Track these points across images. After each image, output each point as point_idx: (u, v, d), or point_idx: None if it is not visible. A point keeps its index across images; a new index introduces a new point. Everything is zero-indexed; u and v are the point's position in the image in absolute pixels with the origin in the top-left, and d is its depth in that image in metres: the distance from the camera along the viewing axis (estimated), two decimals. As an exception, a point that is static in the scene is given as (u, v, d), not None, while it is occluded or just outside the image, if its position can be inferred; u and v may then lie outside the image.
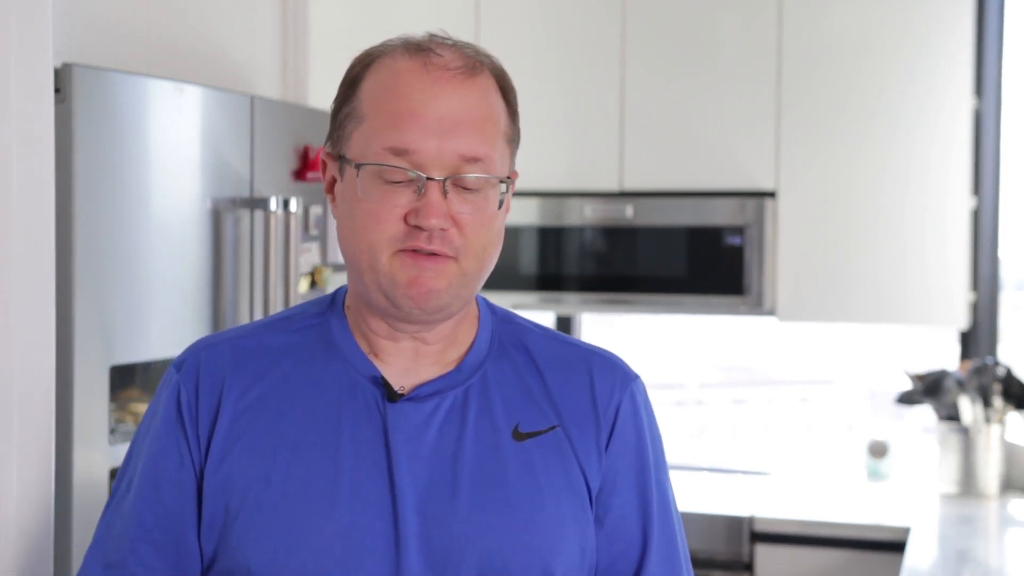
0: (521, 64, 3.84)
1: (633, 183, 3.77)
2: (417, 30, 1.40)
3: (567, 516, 1.36)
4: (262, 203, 2.55)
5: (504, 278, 3.84)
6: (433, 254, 1.30)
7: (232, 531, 1.33)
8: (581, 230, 3.78)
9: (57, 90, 2.05)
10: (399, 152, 1.30)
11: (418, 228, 1.29)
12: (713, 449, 4.48)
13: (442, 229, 1.30)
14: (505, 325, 1.45)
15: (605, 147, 3.79)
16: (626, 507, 1.40)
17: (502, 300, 3.83)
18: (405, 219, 1.30)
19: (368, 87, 1.34)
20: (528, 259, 3.83)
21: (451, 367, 1.39)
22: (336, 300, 1.43)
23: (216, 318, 2.48)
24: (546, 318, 4.37)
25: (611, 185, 3.79)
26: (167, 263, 2.34)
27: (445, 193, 1.30)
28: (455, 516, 1.32)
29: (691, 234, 3.68)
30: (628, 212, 3.73)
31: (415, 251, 1.30)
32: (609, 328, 5.19)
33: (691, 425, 5.68)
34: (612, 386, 1.42)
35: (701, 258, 3.67)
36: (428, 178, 1.30)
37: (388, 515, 1.31)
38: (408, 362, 1.38)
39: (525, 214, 3.82)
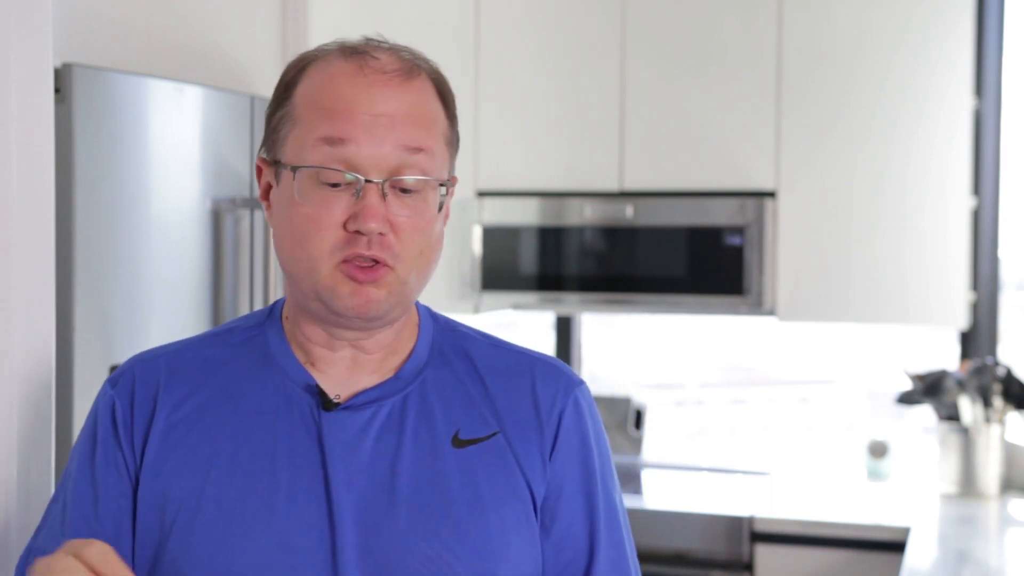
0: (521, 64, 3.84)
1: (633, 183, 3.77)
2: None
3: (510, 524, 1.33)
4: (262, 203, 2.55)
5: (504, 278, 3.84)
6: (373, 265, 1.28)
7: (166, 547, 1.30)
8: (581, 230, 3.78)
9: (57, 90, 2.05)
10: (333, 142, 1.27)
11: (357, 233, 1.27)
12: (713, 449, 4.47)
13: (380, 234, 1.27)
14: (447, 333, 1.42)
15: (605, 147, 3.79)
16: (573, 516, 1.37)
17: (502, 300, 3.83)
18: (344, 225, 1.28)
19: (302, 90, 1.32)
20: (528, 259, 3.83)
21: (390, 375, 1.37)
22: (274, 311, 1.41)
23: (216, 318, 2.48)
24: (546, 318, 4.37)
25: (611, 185, 3.79)
26: (167, 263, 2.34)
27: (384, 196, 1.28)
28: (394, 526, 1.29)
29: (691, 234, 3.68)
30: (628, 212, 3.73)
31: (356, 264, 1.28)
32: (609, 328, 5.19)
33: (691, 425, 5.68)
34: (555, 392, 1.39)
35: (701, 258, 3.67)
36: (367, 180, 1.27)
37: (325, 527, 1.29)
38: (346, 371, 1.36)
39: (525, 214, 3.82)
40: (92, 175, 2.14)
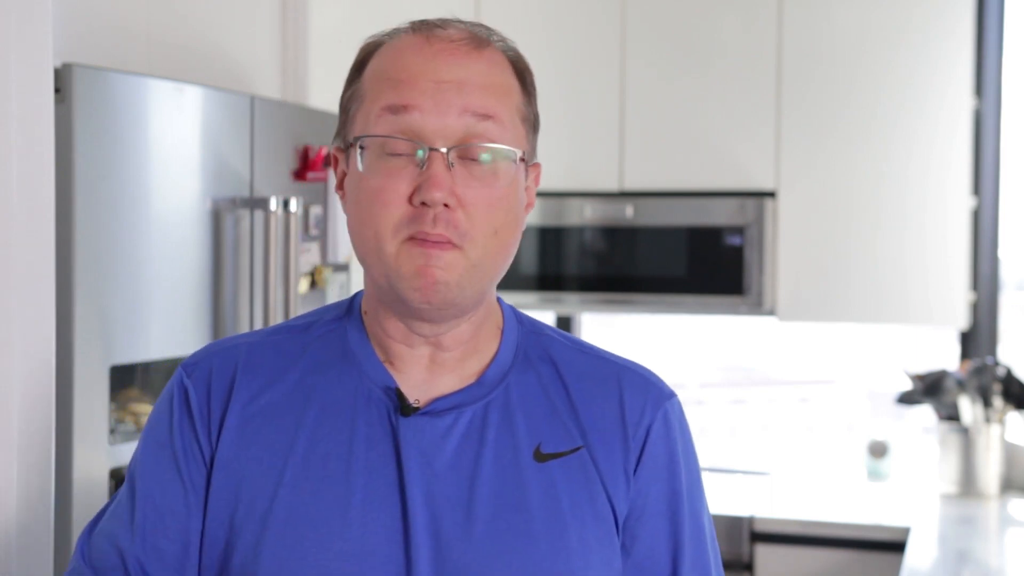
0: (521, 64, 3.84)
1: (633, 183, 3.77)
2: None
3: (591, 543, 1.26)
4: (262, 203, 2.55)
5: (504, 278, 3.83)
6: (439, 242, 1.21)
7: (236, 546, 1.25)
8: (581, 230, 3.79)
9: (57, 90, 2.05)
10: (397, 110, 1.22)
11: (423, 206, 1.20)
12: (713, 449, 4.47)
13: (446, 206, 1.20)
14: (532, 336, 1.35)
15: (605, 147, 3.79)
16: (656, 537, 1.31)
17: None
18: (410, 200, 1.21)
19: (371, 68, 1.27)
20: (528, 259, 3.83)
21: (471, 379, 1.30)
22: (354, 305, 1.35)
23: (216, 318, 2.48)
24: (546, 318, 4.37)
25: (611, 185, 3.79)
26: (167, 263, 2.34)
27: (451, 166, 1.21)
28: (470, 540, 1.23)
29: (691, 234, 3.68)
30: (628, 212, 3.73)
31: (422, 239, 1.21)
32: (609, 328, 5.19)
33: (691, 425, 5.68)
34: (644, 405, 1.32)
35: (701, 258, 3.67)
36: (432, 149, 1.21)
37: (399, 536, 1.23)
38: (425, 372, 1.30)
39: (525, 214, 3.82)
40: (92, 175, 2.14)
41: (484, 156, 1.23)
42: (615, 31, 3.78)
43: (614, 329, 5.28)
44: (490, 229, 1.23)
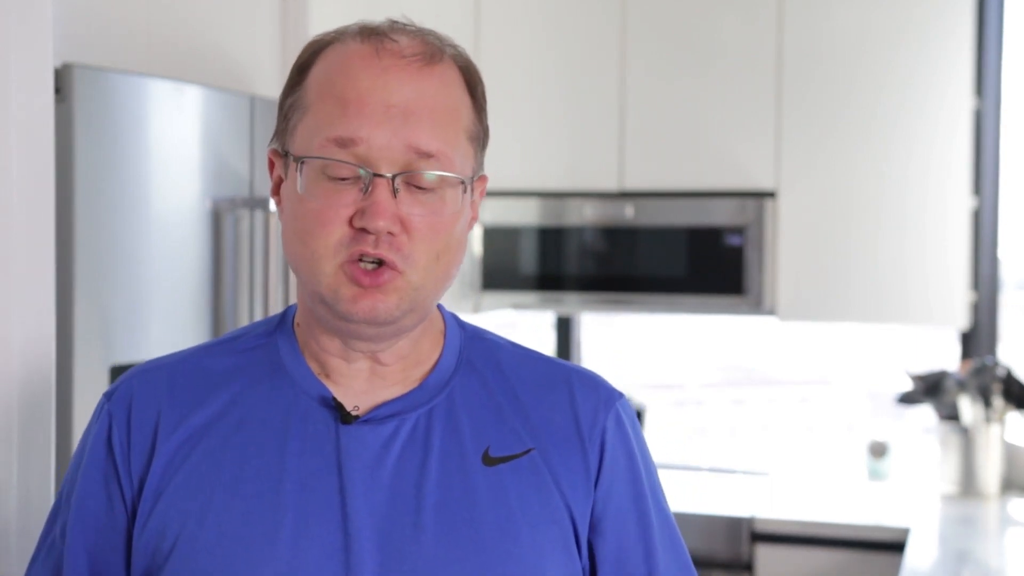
0: (521, 64, 3.84)
1: (633, 183, 3.77)
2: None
3: (545, 549, 1.22)
4: (262, 203, 2.55)
5: (504, 278, 3.84)
6: (378, 268, 1.17)
7: (164, 574, 1.19)
8: (581, 230, 3.78)
9: (57, 90, 2.05)
10: (343, 143, 1.17)
11: (364, 231, 1.16)
12: (713, 449, 4.47)
13: (390, 233, 1.17)
14: (475, 342, 1.32)
15: (605, 147, 3.79)
16: (625, 537, 1.29)
17: (502, 300, 3.83)
18: (351, 222, 1.17)
19: (316, 74, 1.23)
20: (528, 259, 3.83)
21: (414, 386, 1.26)
22: (286, 318, 1.31)
23: (216, 318, 2.48)
24: (546, 318, 4.37)
25: (611, 185, 3.79)
26: (167, 263, 2.34)
27: (395, 192, 1.17)
28: (419, 551, 1.19)
29: (691, 234, 3.68)
30: (628, 212, 3.73)
31: (361, 267, 1.17)
32: (609, 328, 5.19)
33: (691, 425, 5.68)
34: (596, 407, 1.29)
35: (701, 258, 3.67)
36: (376, 174, 1.16)
37: (339, 552, 1.18)
38: (365, 384, 1.25)
39: (525, 214, 3.82)
40: (92, 175, 2.14)
41: (429, 178, 1.19)
42: (615, 31, 3.77)
43: (614, 329, 5.28)
44: (433, 254, 1.20)
